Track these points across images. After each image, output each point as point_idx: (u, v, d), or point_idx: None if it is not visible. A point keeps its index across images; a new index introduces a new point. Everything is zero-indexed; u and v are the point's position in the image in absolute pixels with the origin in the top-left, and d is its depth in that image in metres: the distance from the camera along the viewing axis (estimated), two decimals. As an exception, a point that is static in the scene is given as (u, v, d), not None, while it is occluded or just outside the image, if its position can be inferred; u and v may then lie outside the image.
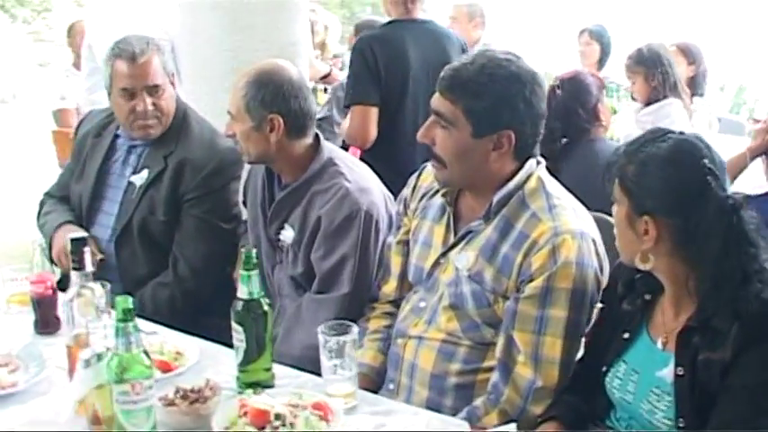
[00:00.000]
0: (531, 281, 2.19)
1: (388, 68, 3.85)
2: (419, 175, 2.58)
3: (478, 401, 2.27)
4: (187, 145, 3.08)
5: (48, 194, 3.37)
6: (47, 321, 2.57)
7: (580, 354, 2.27)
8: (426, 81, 3.78)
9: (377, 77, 3.85)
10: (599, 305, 2.25)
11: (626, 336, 2.09)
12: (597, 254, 2.25)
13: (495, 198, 2.28)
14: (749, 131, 5.00)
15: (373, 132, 3.83)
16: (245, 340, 2.16)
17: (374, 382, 2.46)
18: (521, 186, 2.29)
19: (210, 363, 2.37)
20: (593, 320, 2.26)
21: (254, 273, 2.14)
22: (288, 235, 2.77)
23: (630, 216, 1.97)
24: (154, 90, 3.02)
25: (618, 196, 2.00)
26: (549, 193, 2.29)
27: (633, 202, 1.96)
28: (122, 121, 3.08)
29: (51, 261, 2.86)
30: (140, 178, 3.07)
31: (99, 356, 1.93)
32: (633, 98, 4.56)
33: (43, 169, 5.87)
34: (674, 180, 1.92)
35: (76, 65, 6.17)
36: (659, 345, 2.04)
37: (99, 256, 2.99)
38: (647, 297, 2.08)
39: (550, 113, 3.76)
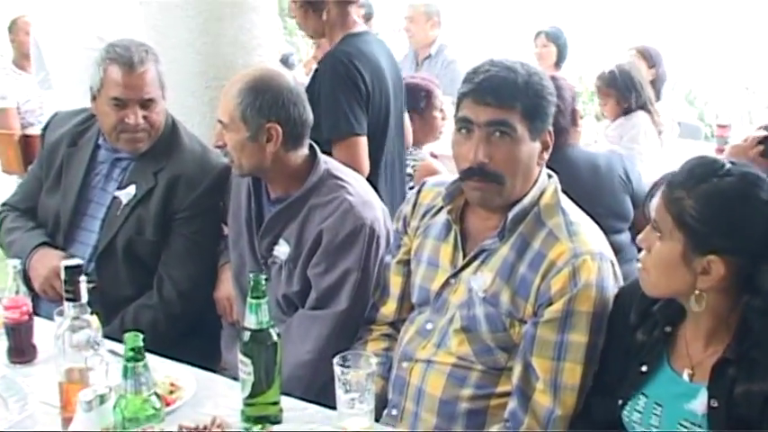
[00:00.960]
0: (551, 304, 2.10)
1: (374, 88, 3.38)
2: (419, 192, 2.46)
3: (494, 428, 2.18)
4: (179, 160, 2.89)
5: (7, 205, 3.12)
6: (22, 350, 2.38)
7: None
8: (395, 99, 3.57)
9: (365, 101, 3.36)
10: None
11: (644, 368, 2.01)
12: (615, 275, 2.18)
13: (511, 214, 2.18)
14: (717, 137, 5.02)
15: (367, 166, 3.31)
16: (252, 372, 2.02)
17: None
18: (536, 202, 2.21)
19: (208, 394, 2.22)
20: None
21: (264, 300, 2.01)
22: (282, 251, 2.62)
23: (687, 254, 1.86)
24: (147, 103, 2.83)
25: (667, 231, 1.88)
26: (566, 211, 2.22)
27: (694, 240, 1.85)
28: (107, 130, 2.86)
29: (27, 285, 2.64)
30: (127, 194, 2.87)
31: (102, 398, 1.76)
32: (604, 115, 4.52)
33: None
34: (747, 217, 1.83)
35: (17, 62, 5.95)
36: (685, 377, 1.96)
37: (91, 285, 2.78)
38: (668, 329, 2.00)
39: None
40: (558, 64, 6.29)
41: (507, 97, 2.11)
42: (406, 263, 2.43)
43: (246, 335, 2.01)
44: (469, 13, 9.11)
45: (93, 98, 2.85)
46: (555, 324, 2.09)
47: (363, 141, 3.30)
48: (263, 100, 2.53)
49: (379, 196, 2.81)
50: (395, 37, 7.87)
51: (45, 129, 3.12)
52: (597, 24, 9.09)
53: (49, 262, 2.81)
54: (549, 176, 2.27)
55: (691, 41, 8.80)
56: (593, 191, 3.64)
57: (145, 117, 2.81)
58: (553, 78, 3.74)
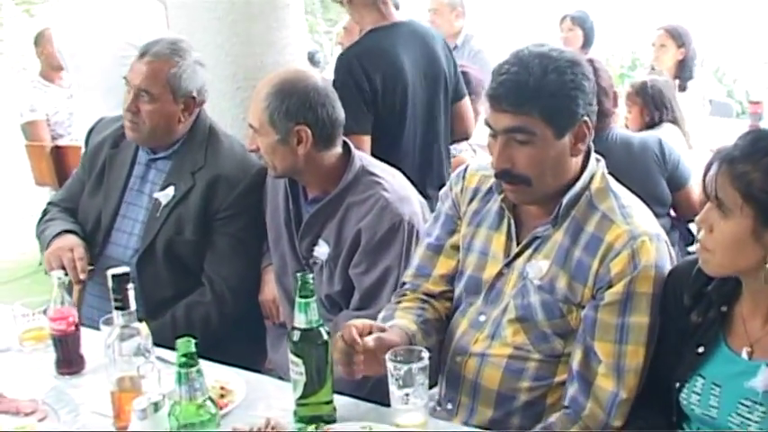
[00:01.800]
0: (611, 287, 2.07)
1: (386, 85, 3.40)
2: (463, 176, 2.40)
3: (554, 417, 2.13)
4: (218, 160, 2.88)
5: (51, 204, 3.16)
6: (70, 361, 2.38)
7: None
8: (423, 91, 3.53)
9: (371, 100, 3.39)
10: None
11: (700, 350, 1.98)
12: (671, 256, 2.14)
13: (564, 200, 2.14)
14: (751, 113, 4.95)
15: None
16: (304, 372, 2.00)
17: (408, 344, 2.18)
18: (587, 187, 2.17)
19: (259, 396, 2.21)
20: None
21: (312, 299, 1.99)
22: (322, 251, 2.61)
23: (758, 228, 1.82)
24: (140, 94, 2.82)
25: (735, 208, 1.83)
26: (617, 194, 2.18)
27: (766, 213, 1.80)
28: None
29: (69, 292, 2.63)
30: (166, 196, 2.86)
31: (156, 405, 1.74)
32: (626, 126, 4.46)
33: (15, 185, 5.70)
34: None
35: (44, 74, 5.96)
36: (744, 355, 1.92)
37: (90, 267, 2.81)
38: (724, 309, 1.97)
39: None
40: (584, 47, 6.21)
41: (521, 103, 2.05)
42: (457, 248, 2.37)
43: (296, 334, 1.99)
44: (494, 1, 9.05)
45: None
46: (616, 307, 2.06)
47: (363, 140, 3.30)
48: (290, 103, 2.52)
49: None
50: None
51: (89, 133, 3.14)
52: (622, 4, 9.01)
53: (64, 239, 2.84)
54: (598, 160, 2.23)
55: (717, 18, 8.70)
56: (628, 174, 3.60)
57: (137, 107, 2.82)
58: (590, 61, 3.71)
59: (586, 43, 6.25)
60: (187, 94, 2.86)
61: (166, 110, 2.85)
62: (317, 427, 2.00)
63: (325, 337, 2.00)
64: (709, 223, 1.88)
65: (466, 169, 2.41)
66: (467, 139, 4.15)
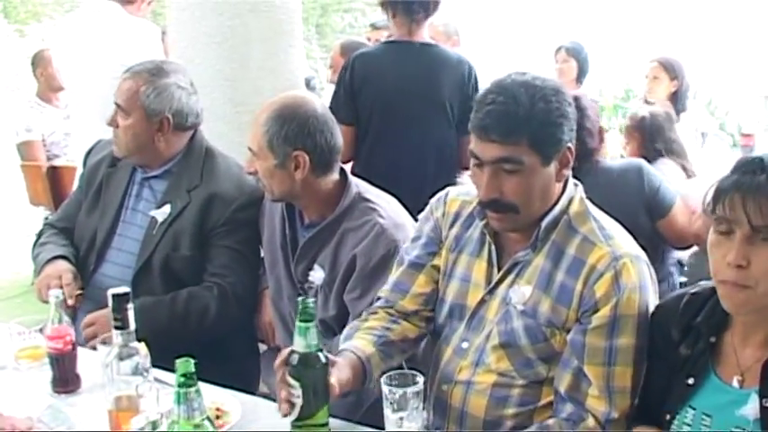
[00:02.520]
0: (597, 311, 2.09)
1: (363, 84, 3.78)
2: (445, 201, 2.41)
3: (551, 421, 2.14)
4: (214, 179, 2.92)
5: (47, 224, 3.19)
6: (66, 379, 2.39)
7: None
8: (401, 104, 3.74)
9: (350, 93, 3.79)
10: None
11: (690, 381, 1.99)
12: (651, 277, 2.16)
13: (543, 224, 2.17)
14: (743, 146, 5.00)
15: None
16: (301, 396, 2.00)
17: (360, 370, 2.19)
18: (565, 210, 2.19)
19: (253, 418, 2.22)
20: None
21: (312, 324, 1.99)
22: (317, 276, 2.63)
23: None
24: (118, 109, 2.89)
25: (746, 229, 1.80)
26: (596, 217, 2.21)
27: None
28: None
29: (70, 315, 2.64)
30: (163, 213, 2.90)
31: (154, 424, 1.76)
32: (622, 156, 4.49)
33: (10, 204, 5.71)
34: None
35: (41, 95, 5.98)
36: (735, 384, 1.93)
37: (78, 292, 2.83)
38: (713, 339, 1.98)
39: None
40: (578, 79, 6.26)
41: (510, 133, 2.05)
42: (438, 270, 2.37)
43: (295, 358, 2.00)
44: (490, 30, 9.12)
45: None
46: (603, 330, 2.08)
47: (344, 130, 3.37)
48: (289, 129, 2.55)
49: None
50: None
51: (87, 154, 3.18)
52: (616, 36, 9.08)
53: (54, 266, 2.86)
54: (576, 185, 2.25)
55: (709, 52, 8.78)
56: (611, 209, 3.60)
57: (116, 122, 2.89)
58: (575, 99, 3.73)
59: (581, 74, 6.27)
60: (159, 114, 2.89)
61: (139, 127, 2.89)
62: None
63: (324, 360, 2.01)
64: (747, 258, 1.80)
65: (447, 194, 2.42)
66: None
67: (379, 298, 2.42)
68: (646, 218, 3.53)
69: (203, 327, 2.79)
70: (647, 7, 10.07)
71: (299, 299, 1.99)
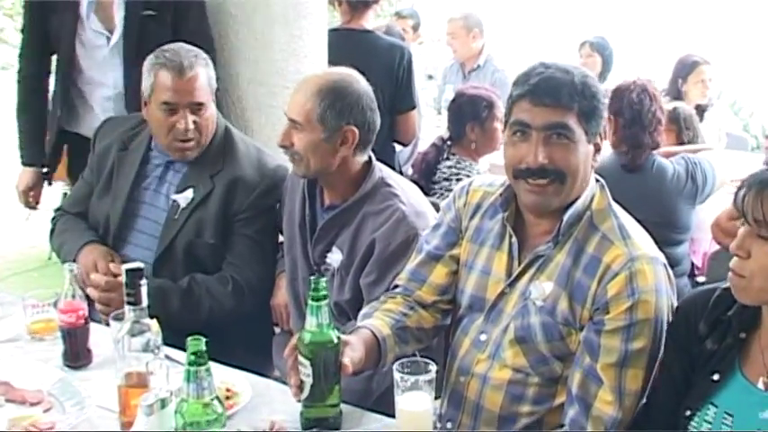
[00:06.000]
0: (608, 311, 2.06)
1: None
2: (467, 190, 2.39)
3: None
4: (235, 163, 2.90)
5: (60, 210, 3.16)
6: (77, 354, 2.38)
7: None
8: None
9: None
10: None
11: (715, 377, 1.96)
12: (669, 278, 2.13)
13: (565, 217, 2.13)
14: (766, 148, 4.94)
15: None
16: (311, 375, 1.99)
17: (375, 350, 2.17)
18: (588, 206, 2.17)
19: (263, 400, 2.21)
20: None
21: (324, 303, 1.99)
22: (335, 258, 2.61)
23: None
24: (197, 108, 2.83)
25: None
26: (617, 214, 2.18)
27: None
28: (160, 137, 2.88)
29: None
30: (185, 198, 2.87)
31: (163, 402, 1.75)
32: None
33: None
34: None
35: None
36: (760, 385, 1.90)
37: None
38: (742, 335, 1.95)
39: (638, 119, 3.75)
40: (602, 74, 6.22)
41: (565, 98, 2.05)
42: (456, 261, 2.36)
43: (307, 337, 1.99)
44: (515, 23, 9.06)
45: (145, 104, 2.87)
46: (618, 333, 2.05)
47: None
48: (345, 103, 2.53)
49: None
50: (437, 47, 7.89)
51: (96, 134, 3.13)
52: (639, 32, 8.99)
53: (87, 255, 2.83)
54: (597, 180, 2.22)
55: (735, 51, 8.69)
56: (653, 198, 3.61)
57: (195, 122, 2.82)
58: (644, 88, 3.75)
59: (605, 70, 6.24)
60: (214, 92, 2.93)
61: (213, 112, 2.94)
62: None
63: (335, 340, 2.00)
64: (746, 249, 1.84)
65: (470, 183, 2.40)
66: (404, 145, 4.70)
67: (396, 286, 2.41)
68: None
69: (214, 319, 2.77)
70: (671, 4, 9.99)
71: (312, 277, 1.98)
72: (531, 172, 2.09)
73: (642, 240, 2.13)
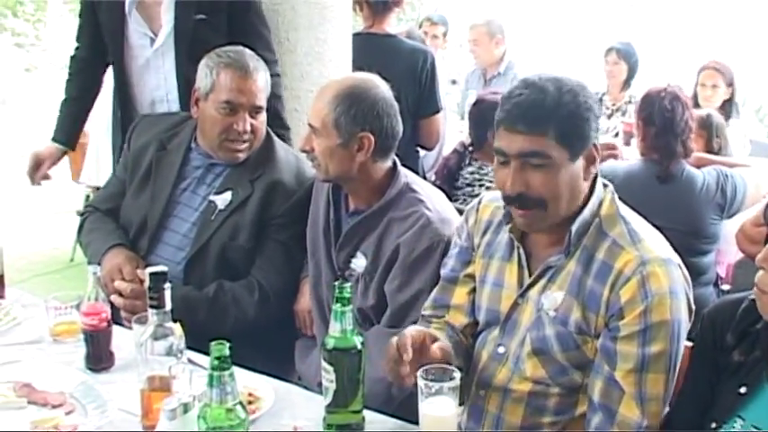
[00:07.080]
0: (623, 317, 2.04)
1: None
2: (477, 208, 2.39)
3: None
4: (275, 169, 2.90)
5: (90, 206, 3.16)
6: (100, 357, 2.37)
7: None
8: None
9: None
10: (688, 346, 2.10)
11: (743, 390, 1.92)
12: (685, 279, 2.11)
13: (574, 228, 2.11)
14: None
15: None
16: (335, 381, 1.98)
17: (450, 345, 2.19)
18: (596, 213, 2.14)
19: (286, 405, 2.19)
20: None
21: (348, 308, 1.98)
22: (360, 264, 2.60)
23: None
24: (256, 111, 2.84)
25: None
26: (626, 219, 2.15)
27: None
28: (211, 135, 2.87)
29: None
30: (224, 200, 2.87)
31: (186, 407, 1.73)
32: None
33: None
34: None
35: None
36: None
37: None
38: None
39: (670, 127, 3.72)
40: (627, 81, 6.19)
41: (537, 123, 2.02)
42: (473, 278, 2.36)
43: (330, 342, 1.98)
44: (539, 30, 9.03)
45: (196, 101, 2.87)
46: (634, 338, 2.03)
47: None
48: (359, 109, 2.52)
49: None
50: (460, 52, 7.87)
51: (131, 132, 3.12)
52: (662, 40, 8.93)
53: (112, 259, 2.81)
54: (605, 186, 2.20)
55: (760, 58, 8.62)
56: (681, 207, 3.58)
57: (251, 125, 2.83)
58: (676, 96, 3.74)
59: (630, 77, 6.19)
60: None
61: (265, 118, 2.95)
62: None
63: (359, 346, 1.99)
64: None
65: (480, 201, 2.40)
66: (428, 149, 4.63)
67: (423, 316, 2.40)
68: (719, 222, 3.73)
69: (238, 327, 2.75)
70: (696, 11, 9.92)
71: (336, 283, 1.97)
72: (512, 200, 2.09)
73: (654, 243, 2.11)
